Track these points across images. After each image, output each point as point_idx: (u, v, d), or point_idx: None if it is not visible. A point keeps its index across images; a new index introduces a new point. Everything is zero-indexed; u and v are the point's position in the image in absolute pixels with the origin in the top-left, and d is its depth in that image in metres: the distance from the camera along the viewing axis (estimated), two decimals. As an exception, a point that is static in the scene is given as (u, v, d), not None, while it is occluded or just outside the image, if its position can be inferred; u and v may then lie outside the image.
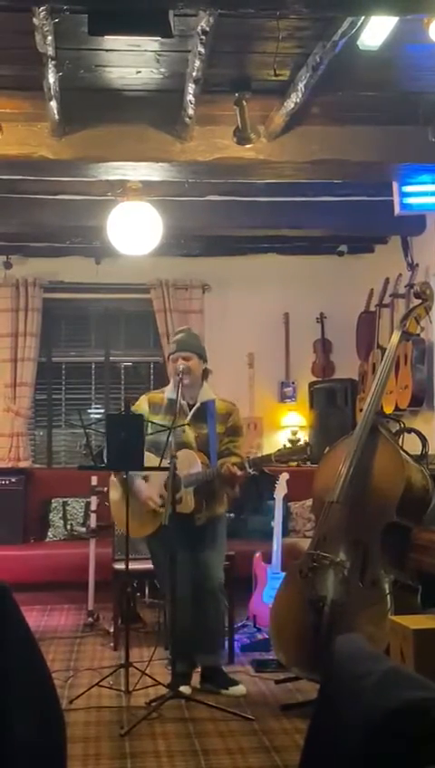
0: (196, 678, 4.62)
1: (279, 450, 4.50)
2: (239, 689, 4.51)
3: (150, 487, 4.56)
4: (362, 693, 1.27)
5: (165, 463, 4.31)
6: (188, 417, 4.56)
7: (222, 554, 4.73)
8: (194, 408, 4.60)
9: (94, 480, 6.16)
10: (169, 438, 4.30)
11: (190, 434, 4.57)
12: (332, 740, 1.39)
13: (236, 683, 4.55)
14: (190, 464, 4.47)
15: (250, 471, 4.40)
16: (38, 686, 1.89)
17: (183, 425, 4.43)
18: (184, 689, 4.33)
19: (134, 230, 5.77)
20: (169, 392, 4.67)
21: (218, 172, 5.07)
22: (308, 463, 4.77)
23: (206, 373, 4.70)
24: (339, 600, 4.05)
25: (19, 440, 7.61)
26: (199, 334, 4.88)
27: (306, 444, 4.48)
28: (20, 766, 1.77)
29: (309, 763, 1.51)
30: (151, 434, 4.49)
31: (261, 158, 4.82)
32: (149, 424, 4.58)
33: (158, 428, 4.47)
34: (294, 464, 4.49)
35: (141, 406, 4.73)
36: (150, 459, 4.41)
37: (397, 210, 5.38)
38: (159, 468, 4.40)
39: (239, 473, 4.40)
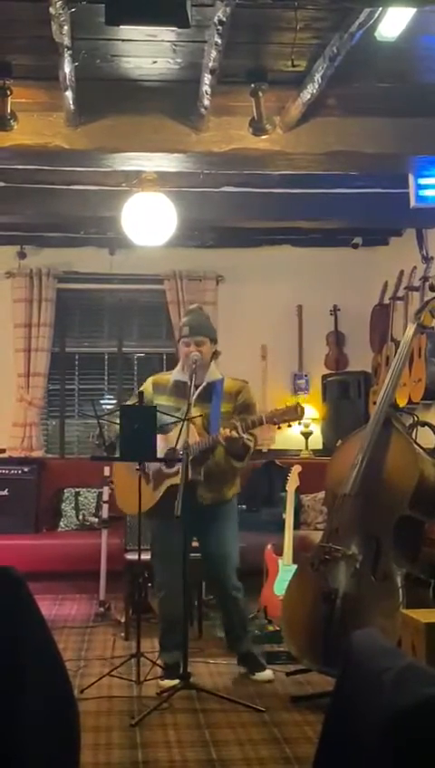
0: (204, 669, 4.64)
1: (271, 412, 4.44)
2: (265, 675, 4.59)
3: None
4: (380, 688, 1.26)
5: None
6: (193, 397, 4.49)
7: (231, 547, 4.64)
8: (199, 388, 4.57)
9: (107, 471, 6.18)
10: (181, 430, 4.30)
11: (196, 413, 4.52)
12: (348, 735, 1.38)
13: (264, 668, 4.63)
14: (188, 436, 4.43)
15: (244, 435, 4.33)
16: (52, 675, 1.89)
17: (192, 417, 4.39)
18: (166, 682, 4.38)
19: (148, 221, 5.76)
20: (175, 374, 4.67)
21: (234, 163, 5.05)
22: (300, 423, 4.61)
23: (215, 354, 4.68)
24: (351, 592, 4.05)
25: (32, 430, 7.64)
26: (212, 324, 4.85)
27: (297, 404, 4.39)
28: (33, 755, 1.78)
29: (324, 757, 1.51)
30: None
31: (276, 149, 4.80)
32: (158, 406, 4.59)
33: (165, 411, 4.49)
34: (287, 425, 4.38)
35: (147, 388, 4.77)
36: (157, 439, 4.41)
37: (413, 203, 5.35)
38: (168, 459, 4.41)
39: (233, 434, 4.29)
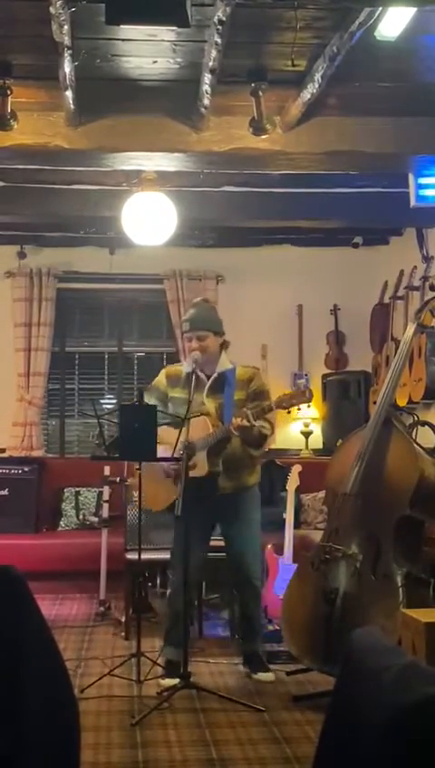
0: (204, 669, 4.63)
1: (279, 397, 4.44)
2: (267, 676, 4.57)
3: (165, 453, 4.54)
4: (380, 687, 1.26)
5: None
6: (206, 389, 4.56)
7: (254, 536, 4.66)
8: (211, 380, 4.61)
9: (107, 470, 6.18)
10: (181, 429, 4.31)
11: (210, 405, 4.57)
12: (349, 734, 1.38)
13: (267, 669, 4.61)
14: (202, 428, 4.43)
15: (256, 423, 4.34)
16: (52, 675, 1.90)
17: (191, 416, 4.38)
18: (167, 681, 4.37)
19: (148, 220, 5.77)
20: (186, 366, 4.68)
21: (234, 163, 5.05)
22: (309, 406, 4.74)
23: (224, 344, 4.69)
24: (351, 592, 4.05)
25: (32, 429, 7.64)
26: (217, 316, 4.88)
27: (306, 388, 4.43)
28: (34, 755, 1.78)
29: (325, 756, 1.51)
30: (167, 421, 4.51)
31: (277, 148, 4.80)
32: (169, 399, 4.65)
33: (177, 404, 4.53)
34: (297, 408, 4.45)
35: (160, 380, 4.78)
36: (170, 432, 4.42)
37: (413, 202, 5.35)
38: (171, 459, 4.41)
39: (244, 423, 4.30)
